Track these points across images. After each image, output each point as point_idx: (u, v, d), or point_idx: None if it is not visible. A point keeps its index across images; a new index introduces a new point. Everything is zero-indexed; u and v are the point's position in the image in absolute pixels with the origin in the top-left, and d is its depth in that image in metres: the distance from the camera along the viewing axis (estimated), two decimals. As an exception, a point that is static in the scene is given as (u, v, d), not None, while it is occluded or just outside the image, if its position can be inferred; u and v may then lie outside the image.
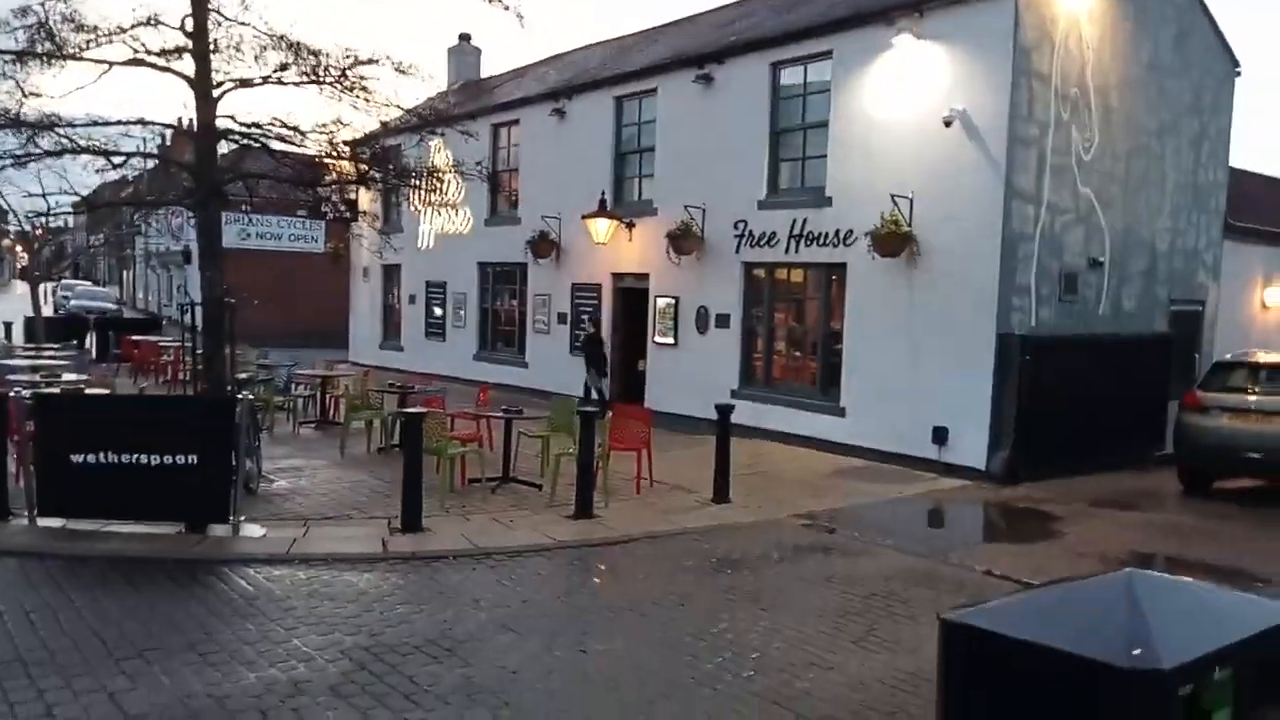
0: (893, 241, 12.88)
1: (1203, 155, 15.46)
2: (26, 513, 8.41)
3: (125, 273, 50.67)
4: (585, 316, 18.55)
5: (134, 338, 21.73)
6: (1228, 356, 13.02)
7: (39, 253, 30.62)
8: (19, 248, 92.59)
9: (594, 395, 17.07)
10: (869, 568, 8.44)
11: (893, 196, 12.85)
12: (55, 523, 8.32)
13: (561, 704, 5.38)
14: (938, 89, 12.69)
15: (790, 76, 14.99)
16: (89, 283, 48.30)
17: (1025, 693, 2.81)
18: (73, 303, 36.22)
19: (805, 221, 14.37)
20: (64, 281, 41.69)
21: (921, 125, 12.84)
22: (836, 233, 13.93)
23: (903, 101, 13.11)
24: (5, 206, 22.43)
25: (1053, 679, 2.73)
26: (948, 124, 12.48)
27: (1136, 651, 2.61)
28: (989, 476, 12.21)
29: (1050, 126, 12.67)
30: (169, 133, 18.67)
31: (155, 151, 19.08)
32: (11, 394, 9.00)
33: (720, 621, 6.82)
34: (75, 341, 21.71)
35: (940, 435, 12.65)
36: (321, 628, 6.39)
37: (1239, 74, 16.05)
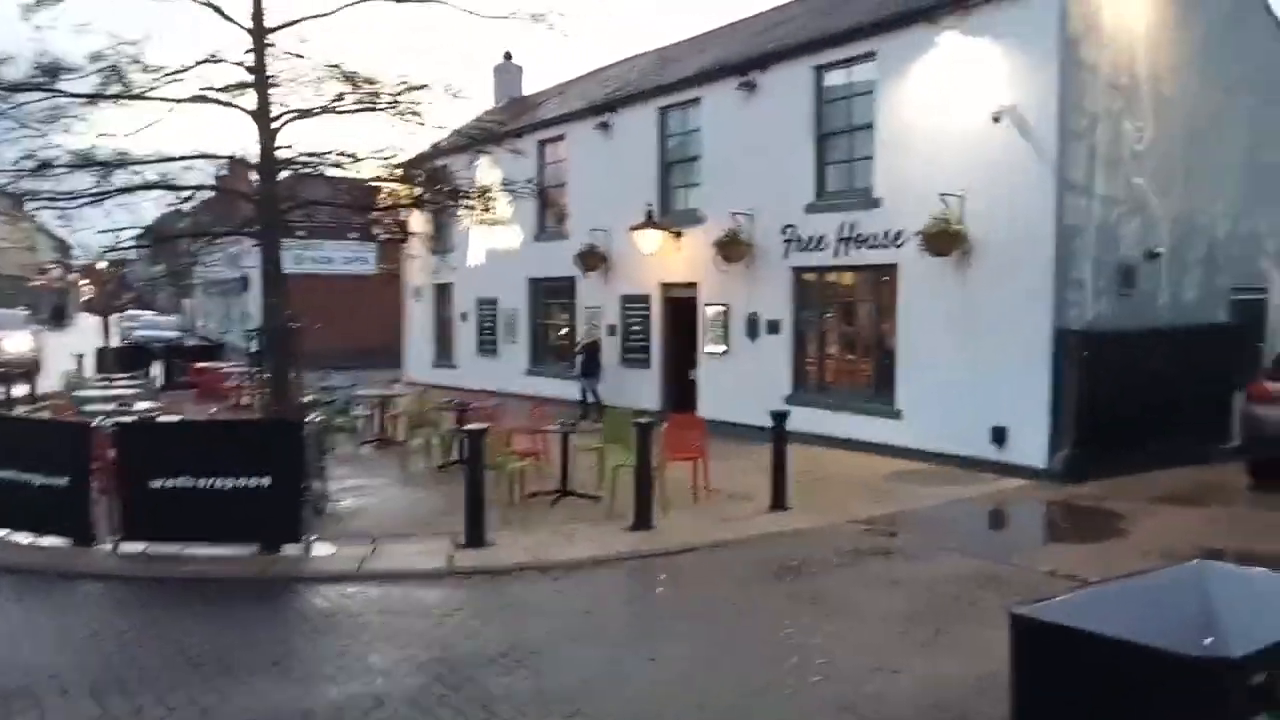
0: (944, 240, 12.82)
1: (1261, 136, 15.13)
2: (110, 538, 8.74)
3: (185, 301, 51.98)
4: (596, 325, 19.42)
5: (199, 365, 22.37)
6: (1294, 344, 12.74)
7: (106, 285, 31.63)
8: (84, 281, 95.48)
9: (589, 400, 17.99)
10: (932, 571, 8.42)
11: (942, 195, 12.80)
12: (137, 547, 8.64)
13: (634, 711, 5.48)
14: (985, 85, 12.62)
15: (834, 79, 15.01)
16: (152, 312, 49.60)
17: (1097, 685, 2.84)
18: (137, 332, 37.26)
19: (854, 224, 14.36)
20: (129, 312, 42.93)
21: (970, 122, 12.77)
22: (886, 234, 13.90)
23: (949, 99, 13.07)
24: (70, 242, 23.33)
25: (1124, 671, 2.76)
26: (996, 120, 12.40)
27: (1208, 641, 2.63)
28: (1050, 475, 12.06)
29: (1101, 118, 12.52)
30: (224, 163, 19.20)
31: (215, 183, 19.63)
32: (93, 423, 9.36)
33: (785, 627, 6.87)
34: (144, 370, 22.38)
35: (999, 435, 12.54)
36: (396, 642, 6.57)
37: (1294, 54, 15.70)
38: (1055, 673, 3.01)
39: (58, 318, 52.60)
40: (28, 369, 22.02)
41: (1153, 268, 13.39)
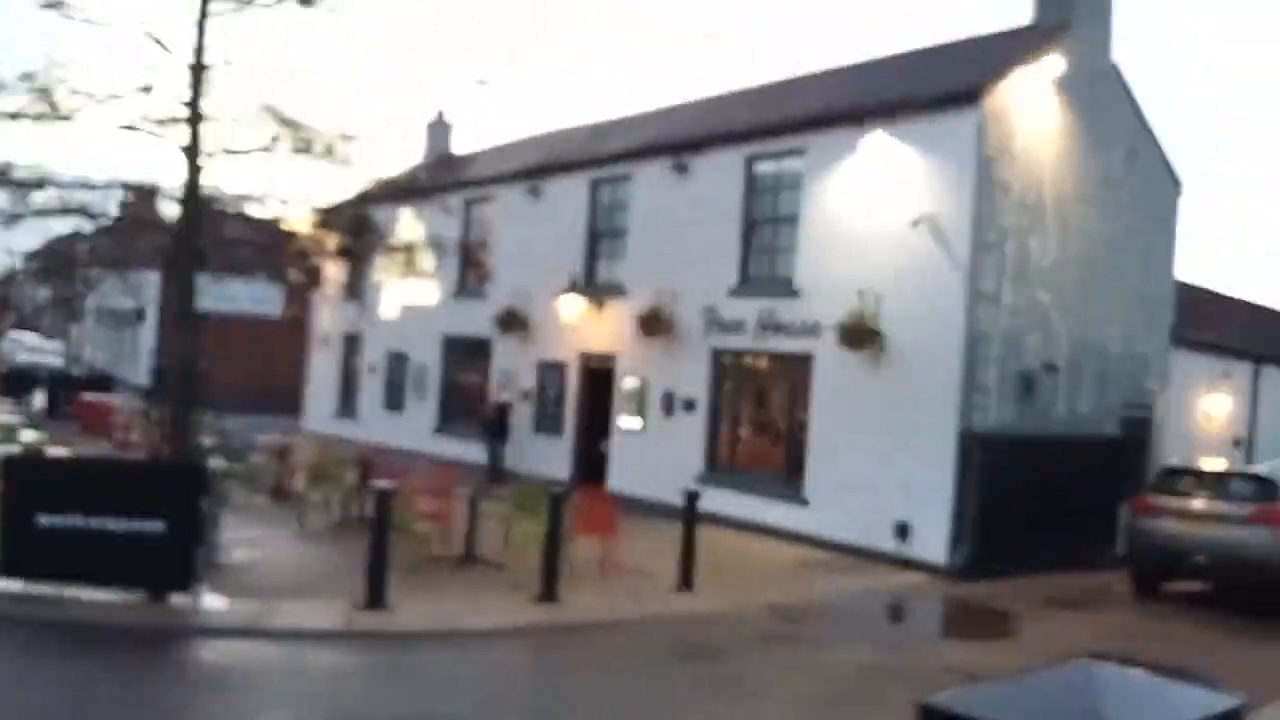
0: (859, 335, 13.24)
1: (1150, 267, 16.16)
2: (-16, 575, 8.18)
3: (72, 327, 49.66)
4: (506, 386, 19.45)
5: (87, 396, 21.32)
6: (1174, 461, 13.45)
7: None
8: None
9: (497, 464, 17.85)
10: (833, 659, 8.50)
11: (859, 292, 13.26)
12: (16, 585, 8.10)
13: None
14: (905, 190, 13.22)
15: (763, 169, 15.50)
16: (36, 336, 47.21)
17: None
18: (20, 356, 35.38)
19: (774, 311, 14.72)
20: (10, 335, 40.82)
21: (890, 224, 13.32)
22: (804, 323, 14.27)
23: (873, 200, 13.63)
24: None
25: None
26: (915, 225, 12.97)
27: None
28: (949, 572, 12.38)
29: (1010, 233, 13.23)
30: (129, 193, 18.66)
31: (123, 209, 19.04)
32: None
33: (686, 709, 6.82)
34: (27, 397, 21.22)
35: (902, 530, 12.84)
36: (288, 703, 6.30)
37: (1180, 192, 16.90)
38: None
39: None
40: None
41: (1051, 379, 14.05)
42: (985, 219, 12.79)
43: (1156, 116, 16.29)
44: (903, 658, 8.81)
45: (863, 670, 8.19)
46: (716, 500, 14.18)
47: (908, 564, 12.65)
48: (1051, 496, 13.06)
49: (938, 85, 13.83)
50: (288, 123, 10.89)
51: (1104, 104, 14.78)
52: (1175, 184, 16.65)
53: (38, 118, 9.74)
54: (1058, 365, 14.07)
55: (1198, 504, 11.96)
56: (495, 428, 18.44)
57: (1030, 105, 13.41)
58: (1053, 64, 13.61)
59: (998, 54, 14.16)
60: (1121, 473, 14.49)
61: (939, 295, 12.79)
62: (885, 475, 13.02)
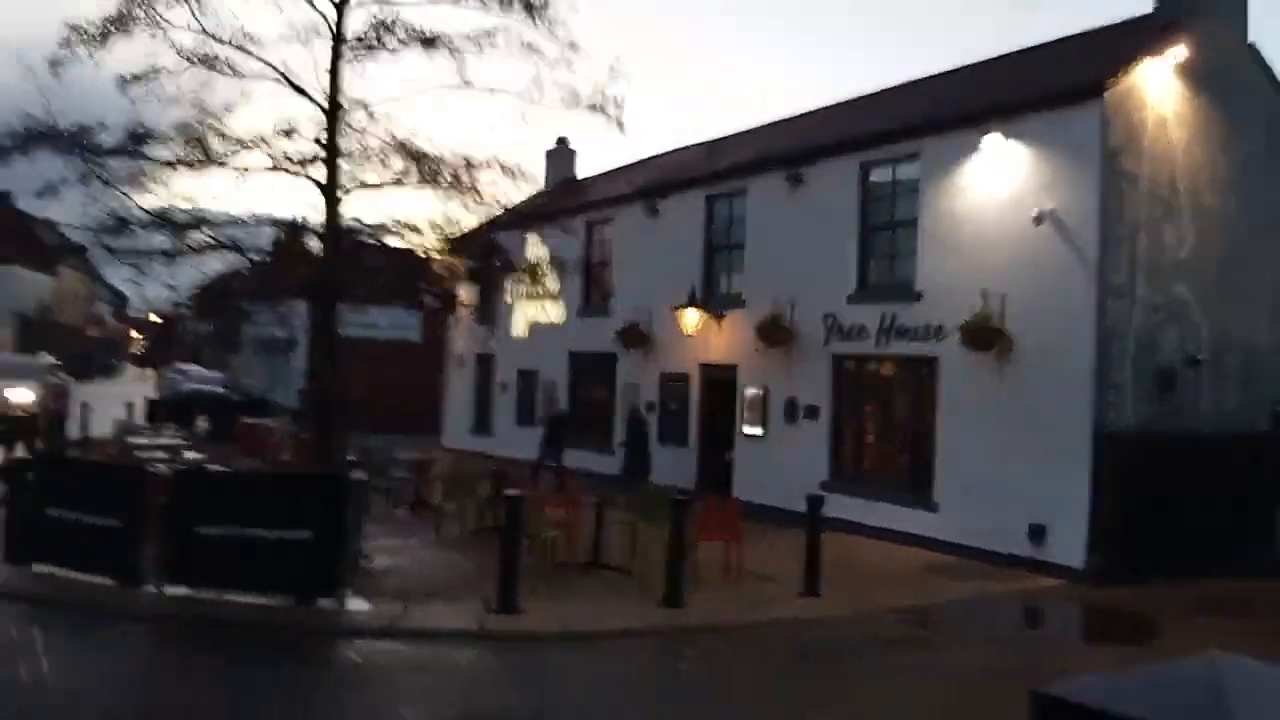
0: (984, 336, 12.98)
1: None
2: (155, 580, 8.98)
3: (232, 358, 53.09)
4: (556, 399, 20.70)
5: (244, 420, 22.85)
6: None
7: (160, 339, 32.50)
8: (134, 333, 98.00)
9: (549, 464, 18.09)
10: (961, 664, 8.39)
11: (983, 292, 13.01)
12: (181, 590, 8.86)
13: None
14: (1027, 188, 12.92)
15: (879, 175, 15.40)
16: (198, 367, 50.64)
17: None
18: (185, 386, 38.05)
19: (895, 316, 14.57)
20: (177, 365, 43.91)
21: (1011, 223, 13.04)
22: (927, 327, 14.08)
23: (992, 200, 13.37)
24: (130, 296, 24.04)
25: (1138, 749, 2.87)
26: (1038, 222, 12.66)
27: (1218, 728, 2.74)
28: (1085, 577, 11.95)
29: (1142, 225, 12.73)
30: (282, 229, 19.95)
31: (274, 246, 20.39)
32: (149, 469, 9.69)
33: (810, 712, 6.89)
34: (191, 422, 22.91)
35: (1036, 533, 12.48)
36: (426, 699, 6.70)
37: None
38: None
39: (84, 369, 53.06)
40: (29, 423, 19.70)
41: (1193, 375, 13.40)
42: (1113, 213, 12.36)
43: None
44: (1033, 663, 8.59)
45: (990, 675, 8.05)
46: (842, 507, 14.12)
47: (1042, 568, 12.27)
48: (1198, 497, 12.45)
49: (1057, 82, 13.46)
50: (416, 155, 11.56)
51: (1240, 87, 14.06)
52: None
53: (193, 165, 10.68)
54: (1201, 360, 13.41)
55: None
56: (554, 437, 18.76)
57: (1157, 95, 12.90)
58: (1178, 51, 13.05)
59: (1118, 45, 13.69)
60: (1276, 473, 13.67)
61: (1066, 292, 12.42)
62: (1016, 478, 12.69)
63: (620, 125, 12.43)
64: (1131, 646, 9.59)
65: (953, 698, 7.38)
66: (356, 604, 9.03)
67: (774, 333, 16.19)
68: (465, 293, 21.90)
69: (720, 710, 6.90)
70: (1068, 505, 12.19)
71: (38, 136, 10.38)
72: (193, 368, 48.60)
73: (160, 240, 11.03)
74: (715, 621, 9.39)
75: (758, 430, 16.86)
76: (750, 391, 17.07)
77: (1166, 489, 12.23)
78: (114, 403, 24.44)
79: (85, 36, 10.31)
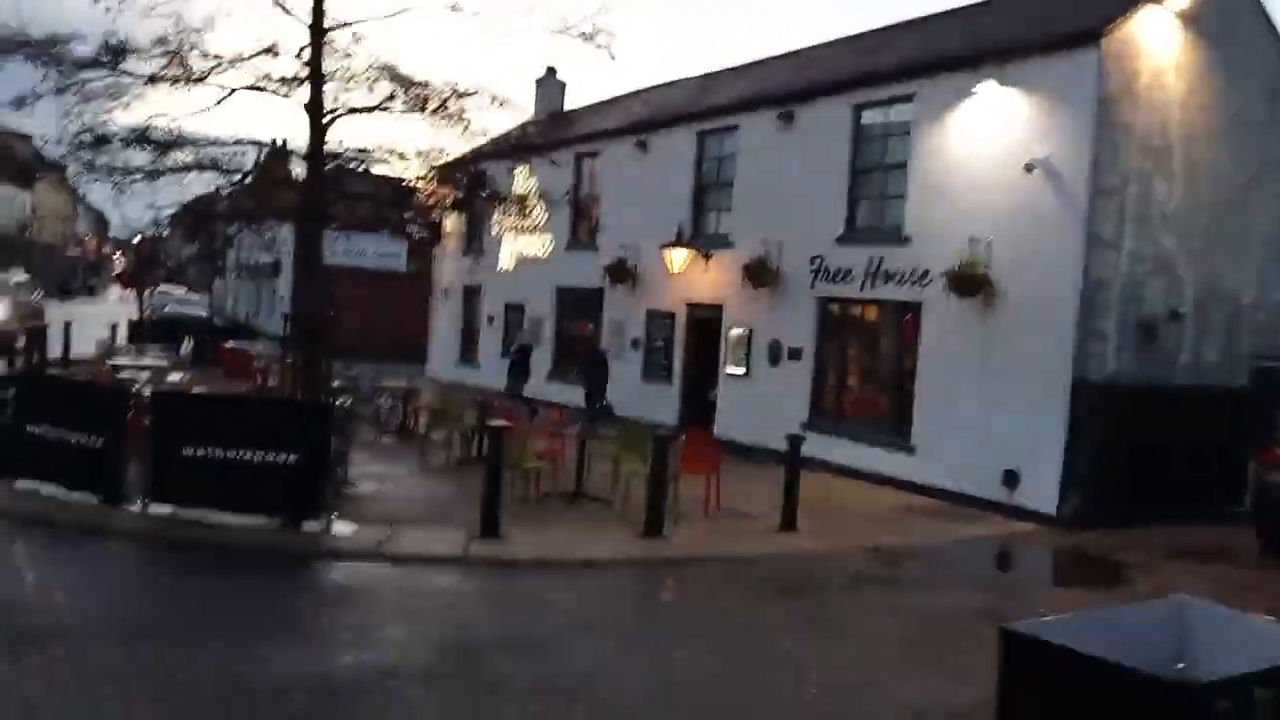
0: (970, 283, 13.03)
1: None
2: (139, 499, 9.04)
3: (216, 281, 52.69)
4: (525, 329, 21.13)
5: (228, 344, 22.79)
6: (1310, 413, 12.80)
7: (143, 260, 32.17)
8: (117, 254, 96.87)
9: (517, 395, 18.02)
10: (934, 603, 8.59)
11: (971, 239, 13.02)
12: (165, 509, 8.93)
13: (633, 705, 5.70)
14: (1020, 136, 12.86)
15: (871, 117, 15.28)
16: (183, 290, 50.25)
17: (1076, 698, 3.07)
18: (168, 308, 37.81)
19: (882, 260, 14.58)
20: (160, 288, 43.55)
21: (1002, 170, 13.00)
22: (913, 272, 14.11)
23: (984, 146, 13.31)
24: (110, 217, 23.78)
25: (1102, 687, 2.99)
26: (1029, 170, 12.63)
27: (1179, 666, 2.86)
28: (1059, 522, 12.19)
29: (1133, 176, 12.72)
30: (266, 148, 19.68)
31: (256, 168, 20.09)
32: (134, 389, 9.68)
33: (785, 642, 7.07)
34: (174, 345, 22.83)
35: (1011, 478, 12.69)
36: (410, 620, 6.83)
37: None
38: (1038, 684, 3.24)
39: (64, 289, 52.60)
40: (7, 341, 19.63)
41: (1175, 328, 13.52)
42: (1105, 163, 12.34)
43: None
44: (1003, 602, 8.80)
45: (959, 613, 8.25)
46: (822, 447, 14.29)
47: (1016, 512, 12.51)
48: (1173, 448, 12.67)
49: (1054, 26, 13.32)
50: (402, 80, 11.37)
51: (1241, 38, 13.97)
52: (1321, 120, 15.60)
53: (172, 81, 10.46)
54: (1183, 313, 13.52)
55: (1332, 457, 11.43)
56: (518, 368, 18.86)
57: (1156, 43, 12.79)
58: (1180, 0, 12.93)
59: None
60: (1251, 426, 13.86)
61: (1053, 241, 12.45)
62: (994, 423, 12.86)
63: (610, 54, 12.26)
64: (1101, 590, 9.83)
65: (922, 632, 7.58)
66: (342, 528, 9.14)
67: (761, 274, 16.19)
68: (452, 223, 21.78)
69: (694, 637, 7.07)
70: (1043, 451, 12.38)
71: (6, 43, 10.13)
72: (176, 290, 48.28)
73: (141, 158, 10.86)
74: (693, 553, 9.56)
75: (741, 370, 16.96)
76: (735, 332, 17.12)
77: (1142, 438, 12.43)
78: (96, 323, 24.30)
79: None
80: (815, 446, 13.35)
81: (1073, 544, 11.64)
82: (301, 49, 11.04)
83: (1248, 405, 14.13)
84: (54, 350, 20.16)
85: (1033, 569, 11.22)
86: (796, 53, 20.16)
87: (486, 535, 9.19)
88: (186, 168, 11.29)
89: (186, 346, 23.98)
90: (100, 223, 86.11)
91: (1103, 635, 3.22)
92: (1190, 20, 13.09)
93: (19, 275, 28.84)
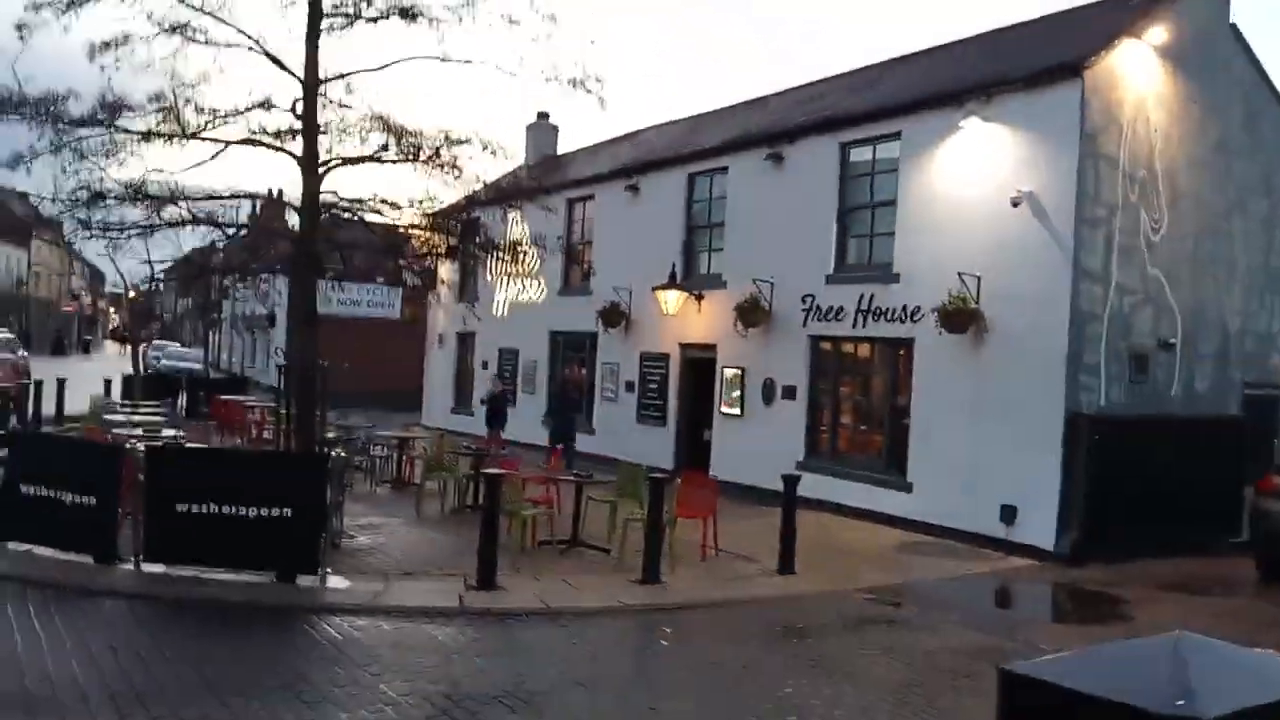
0: (960, 318, 13.09)
1: (1275, 237, 15.41)
2: (133, 558, 8.97)
3: (211, 334, 52.80)
4: (501, 375, 22.06)
5: (223, 397, 22.74)
6: (1305, 441, 12.83)
7: (137, 315, 32.24)
8: (112, 310, 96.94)
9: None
10: (933, 642, 8.52)
11: (960, 274, 13.10)
12: (158, 568, 8.86)
13: (633, 756, 5.63)
14: (1005, 170, 12.99)
15: (859, 155, 15.45)
16: (177, 344, 50.30)
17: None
18: (163, 362, 37.82)
19: (872, 297, 14.66)
20: (154, 342, 43.60)
21: (989, 205, 13.12)
22: (904, 309, 14.17)
23: (970, 181, 13.44)
24: (107, 272, 23.86)
25: (1102, 724, 2.96)
26: (1015, 204, 12.74)
27: (1180, 703, 2.83)
28: (1056, 557, 12.14)
29: (1118, 207, 12.85)
30: (259, 202, 19.88)
31: (251, 221, 20.25)
32: (127, 446, 9.65)
33: (785, 687, 7.00)
34: (168, 399, 22.75)
35: (1008, 514, 12.65)
36: (405, 676, 6.74)
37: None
38: (1038, 725, 3.21)
39: (57, 346, 52.57)
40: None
41: (1166, 357, 13.58)
42: (1089, 195, 12.47)
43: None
44: (1003, 641, 8.76)
45: (959, 653, 8.19)
46: (818, 486, 14.27)
47: (1014, 548, 12.46)
48: (1168, 479, 12.65)
49: (1036, 61, 13.53)
50: (395, 130, 11.47)
51: (1220, 67, 14.21)
52: (1301, 148, 15.80)
53: (168, 137, 10.56)
54: (1172, 343, 13.58)
55: (1329, 484, 11.42)
56: (493, 416, 19.67)
57: (1136, 75, 13.01)
58: (1158, 31, 13.15)
59: (1098, 24, 13.77)
60: (1245, 454, 13.88)
61: (1042, 275, 12.54)
62: (990, 459, 12.85)
63: (601, 101, 12.38)
64: (1100, 625, 9.77)
65: (922, 674, 7.51)
66: (337, 581, 9.07)
67: (753, 313, 16.26)
68: (445, 270, 21.86)
69: (695, 685, 7.00)
70: (1039, 486, 12.36)
71: (4, 103, 10.22)
72: (170, 344, 48.32)
73: (136, 214, 10.93)
74: (692, 599, 9.50)
75: (735, 410, 16.96)
76: (729, 372, 17.14)
77: (1137, 471, 12.41)
78: (92, 379, 24.26)
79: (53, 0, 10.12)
80: (812, 485, 13.34)
81: (1071, 579, 11.58)
82: (295, 102, 11.16)
83: (1242, 434, 14.15)
84: (48, 408, 20.12)
85: (1032, 606, 11.15)
86: (784, 92, 20.42)
87: (483, 586, 9.12)
88: (182, 222, 11.34)
89: (180, 400, 23.94)
90: (96, 278, 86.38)
91: (1101, 673, 3.20)
92: (1169, 52, 13.30)
93: (3, 333, 28.87)
